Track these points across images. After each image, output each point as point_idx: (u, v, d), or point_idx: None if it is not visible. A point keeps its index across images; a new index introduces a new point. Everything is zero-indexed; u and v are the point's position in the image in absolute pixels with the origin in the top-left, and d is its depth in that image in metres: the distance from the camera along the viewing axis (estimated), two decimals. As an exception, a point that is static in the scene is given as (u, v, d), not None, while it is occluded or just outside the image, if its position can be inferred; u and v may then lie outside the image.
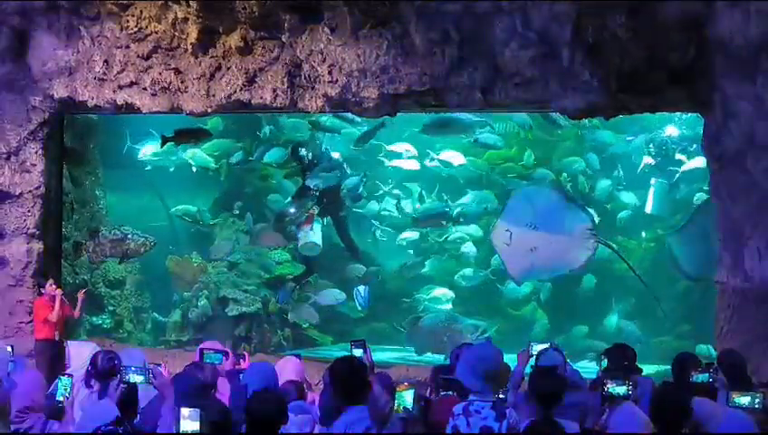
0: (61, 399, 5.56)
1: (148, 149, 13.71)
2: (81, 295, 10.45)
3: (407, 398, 4.55)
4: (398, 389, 4.60)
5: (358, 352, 6.06)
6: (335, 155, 13.17)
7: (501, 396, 5.22)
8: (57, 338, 9.70)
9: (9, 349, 6.52)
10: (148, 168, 13.98)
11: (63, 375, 5.73)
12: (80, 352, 6.85)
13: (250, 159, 13.60)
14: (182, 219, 14.02)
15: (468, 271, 13.53)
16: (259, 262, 13.38)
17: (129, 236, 11.86)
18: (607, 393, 5.09)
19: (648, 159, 13.69)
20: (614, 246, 11.83)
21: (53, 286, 9.86)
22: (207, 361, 5.88)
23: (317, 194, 12.70)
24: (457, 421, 4.72)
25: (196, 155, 13.76)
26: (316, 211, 12.77)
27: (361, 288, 12.65)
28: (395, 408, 4.54)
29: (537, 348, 5.95)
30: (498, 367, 4.92)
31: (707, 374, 5.80)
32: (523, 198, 10.85)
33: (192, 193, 14.25)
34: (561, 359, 5.77)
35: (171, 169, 13.98)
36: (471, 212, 13.59)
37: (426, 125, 12.06)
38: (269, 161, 13.48)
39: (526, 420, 4.61)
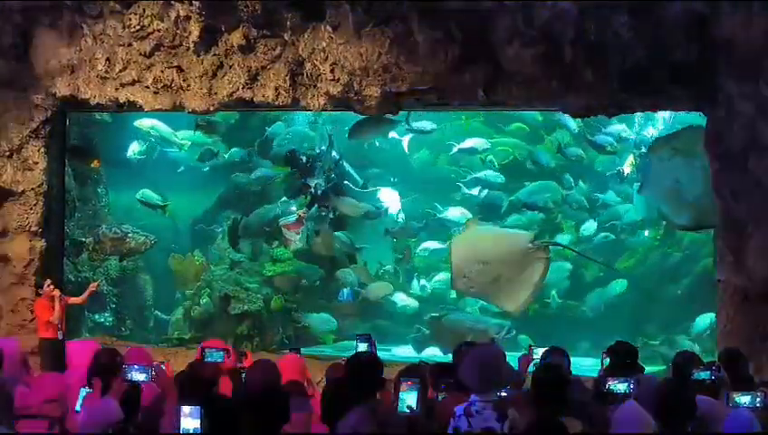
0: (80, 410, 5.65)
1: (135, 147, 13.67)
2: (92, 287, 10.68)
3: (410, 397, 4.52)
4: (401, 388, 4.56)
5: (363, 347, 6.05)
6: (334, 154, 13.17)
7: (503, 394, 5.19)
8: (61, 336, 9.72)
9: None
10: (182, 169, 13.96)
11: (84, 386, 5.81)
12: (80, 352, 6.83)
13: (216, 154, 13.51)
14: (141, 203, 13.53)
15: None
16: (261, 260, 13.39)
17: (130, 234, 11.87)
18: (608, 391, 5.08)
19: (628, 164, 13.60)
20: (559, 242, 12.38)
21: (51, 287, 9.86)
22: (209, 359, 5.87)
23: (317, 193, 12.73)
24: (459, 422, 4.70)
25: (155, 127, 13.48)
26: (306, 214, 12.77)
27: (345, 290, 12.67)
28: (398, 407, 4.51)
29: (539, 352, 5.95)
30: (501, 368, 4.88)
31: (709, 372, 5.79)
32: (460, 243, 11.03)
33: (196, 192, 14.22)
34: (564, 361, 5.76)
35: (175, 168, 13.96)
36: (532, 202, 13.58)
37: (351, 129, 11.99)
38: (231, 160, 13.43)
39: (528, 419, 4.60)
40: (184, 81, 9.85)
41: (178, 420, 4.32)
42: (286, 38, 9.58)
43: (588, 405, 5.40)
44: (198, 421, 4.28)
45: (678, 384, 5.51)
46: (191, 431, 4.29)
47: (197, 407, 4.31)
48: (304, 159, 13.08)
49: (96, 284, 10.95)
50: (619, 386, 5.03)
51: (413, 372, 5.57)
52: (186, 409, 4.31)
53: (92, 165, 12.16)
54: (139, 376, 5.17)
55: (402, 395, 4.53)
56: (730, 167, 8.57)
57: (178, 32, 9.76)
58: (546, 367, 5.32)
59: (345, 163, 13.38)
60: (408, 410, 4.47)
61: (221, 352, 5.91)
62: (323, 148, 13.24)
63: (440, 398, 5.32)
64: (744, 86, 8.32)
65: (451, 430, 4.77)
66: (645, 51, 8.67)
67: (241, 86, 9.70)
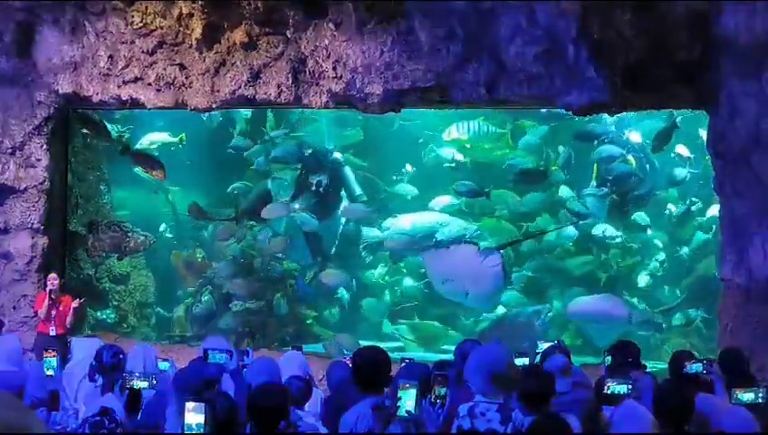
0: (49, 373, 5.87)
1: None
2: (75, 303, 10.01)
3: (408, 399, 4.46)
4: (399, 390, 4.50)
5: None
6: (337, 155, 13.11)
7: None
8: (54, 332, 9.67)
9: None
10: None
11: (47, 357, 6.07)
12: (82, 347, 6.87)
13: None
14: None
15: None
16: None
17: (129, 233, 11.84)
18: (609, 394, 5.08)
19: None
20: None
21: (52, 281, 9.83)
22: (212, 361, 5.89)
23: (319, 190, 12.71)
24: (462, 422, 4.68)
25: None
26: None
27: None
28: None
29: (543, 346, 5.94)
30: (506, 369, 4.83)
31: (701, 365, 5.80)
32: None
33: (199, 188, 14.17)
34: (565, 360, 5.75)
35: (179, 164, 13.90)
36: None
37: None
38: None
39: (529, 418, 4.59)
40: (186, 78, 9.86)
41: (182, 416, 4.33)
42: (288, 35, 9.58)
43: (590, 403, 5.41)
44: (202, 417, 4.29)
45: (676, 383, 5.51)
46: (194, 426, 4.30)
47: (201, 403, 4.32)
48: (308, 153, 13.03)
49: (80, 301, 10.29)
50: (619, 388, 5.03)
51: (410, 372, 5.54)
52: (189, 404, 4.32)
53: (155, 175, 12.02)
54: (140, 383, 5.19)
55: (401, 399, 4.50)
56: (732, 165, 8.56)
57: (181, 29, 9.77)
58: (528, 368, 5.33)
59: (347, 169, 13.21)
60: (407, 414, 4.44)
61: (224, 354, 5.93)
62: (330, 147, 13.19)
63: (438, 391, 5.28)
64: (746, 84, 8.31)
65: (455, 429, 4.74)
66: (647, 49, 8.66)
67: (243, 84, 9.70)
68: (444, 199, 13.40)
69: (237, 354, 6.43)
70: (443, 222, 12.98)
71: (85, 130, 11.79)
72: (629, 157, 12.62)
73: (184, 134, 13.16)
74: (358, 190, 13.19)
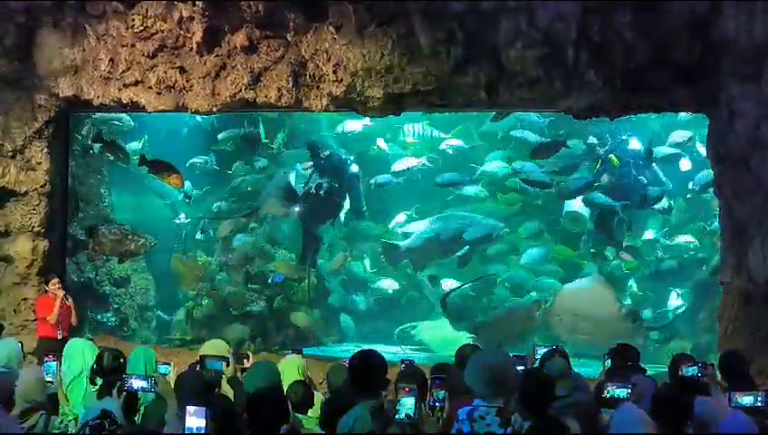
0: (49, 378, 5.92)
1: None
2: (69, 302, 10.02)
3: (408, 403, 4.47)
4: (399, 394, 4.51)
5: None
6: (354, 168, 13.11)
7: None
8: (60, 336, 9.68)
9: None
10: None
11: (47, 361, 6.17)
12: (74, 350, 6.86)
13: None
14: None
15: None
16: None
17: (130, 236, 11.86)
18: (609, 397, 5.09)
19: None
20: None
21: (57, 286, 9.84)
22: (209, 368, 5.92)
23: (320, 193, 12.71)
24: (462, 426, 4.69)
25: None
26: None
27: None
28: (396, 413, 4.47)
29: (541, 351, 5.95)
30: (506, 373, 4.84)
31: (696, 368, 5.81)
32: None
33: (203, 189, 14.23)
34: (565, 363, 5.76)
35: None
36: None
37: None
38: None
39: (529, 421, 4.59)
40: (187, 81, 9.85)
41: (183, 420, 4.35)
42: (289, 39, 9.59)
43: (589, 406, 5.42)
44: (203, 421, 4.32)
45: (675, 386, 5.52)
46: (194, 430, 4.32)
47: (202, 408, 4.34)
48: (322, 155, 13.02)
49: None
50: (619, 392, 5.05)
51: (411, 375, 5.56)
52: (191, 408, 4.35)
53: (171, 181, 12.05)
54: (139, 383, 5.21)
55: (401, 403, 4.50)
56: (732, 168, 8.57)
57: (181, 32, 9.77)
58: (529, 370, 5.33)
59: (360, 184, 13.22)
60: (407, 419, 4.45)
61: (221, 362, 5.96)
62: (349, 156, 13.19)
63: (436, 395, 5.28)
64: (746, 87, 8.32)
65: (455, 431, 4.75)
66: (647, 52, 8.67)
67: (244, 87, 9.70)
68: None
69: (236, 359, 6.44)
70: (469, 222, 13.06)
71: (108, 154, 12.10)
72: (612, 156, 12.73)
73: (146, 137, 13.43)
74: (364, 207, 13.26)
